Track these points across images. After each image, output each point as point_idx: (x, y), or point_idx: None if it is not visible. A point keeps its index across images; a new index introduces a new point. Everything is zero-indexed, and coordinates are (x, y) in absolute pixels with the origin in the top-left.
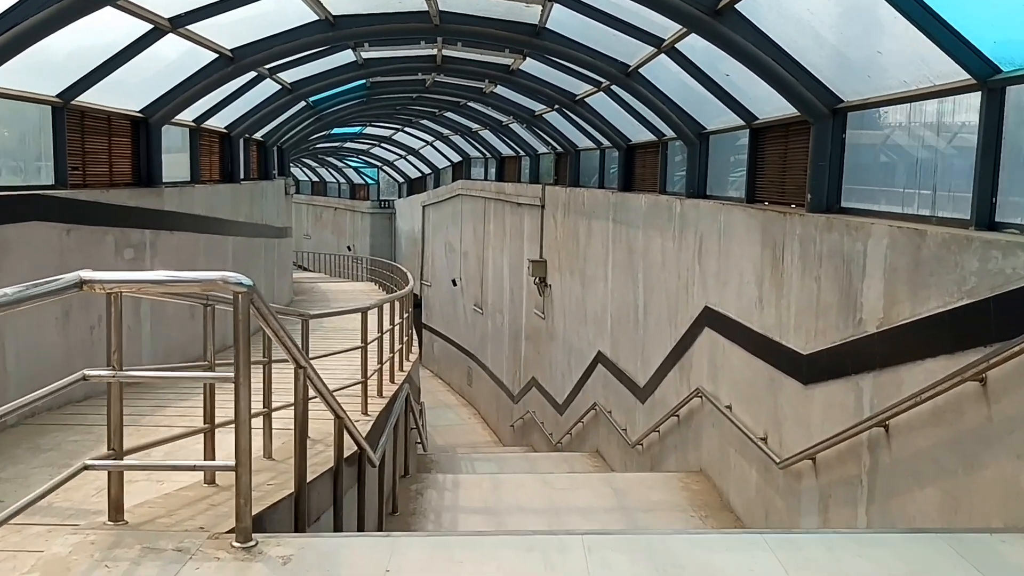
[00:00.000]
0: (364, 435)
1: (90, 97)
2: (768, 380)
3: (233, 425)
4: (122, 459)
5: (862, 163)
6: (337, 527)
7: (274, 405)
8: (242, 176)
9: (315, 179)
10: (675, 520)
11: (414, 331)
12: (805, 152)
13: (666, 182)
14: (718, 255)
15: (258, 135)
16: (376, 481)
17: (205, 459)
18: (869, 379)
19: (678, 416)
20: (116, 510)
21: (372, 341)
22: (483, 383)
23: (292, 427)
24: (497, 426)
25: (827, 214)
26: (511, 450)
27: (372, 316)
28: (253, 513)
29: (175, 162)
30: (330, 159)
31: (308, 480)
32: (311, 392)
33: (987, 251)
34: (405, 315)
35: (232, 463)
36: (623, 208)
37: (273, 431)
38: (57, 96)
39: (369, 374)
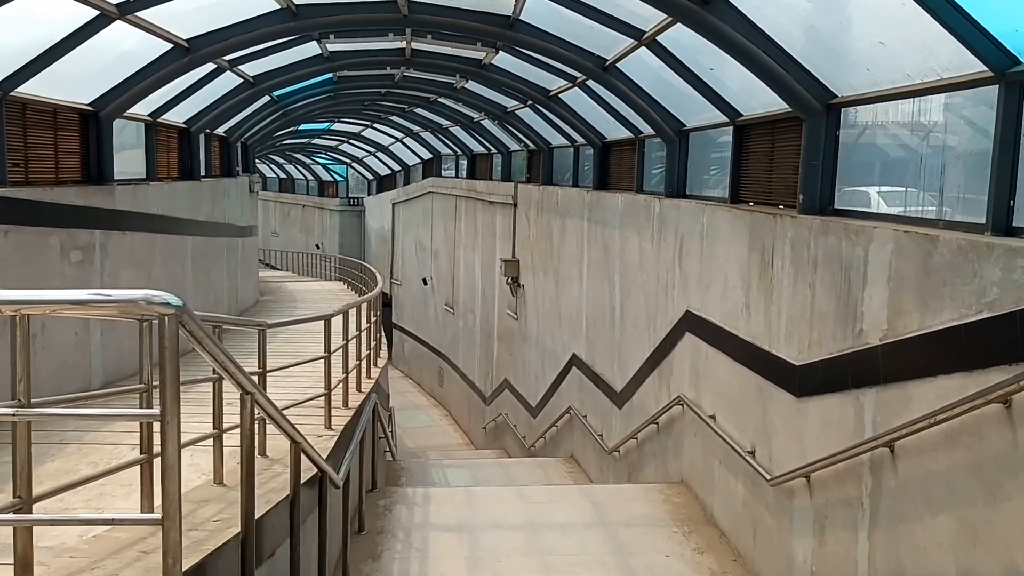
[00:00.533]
0: (328, 452)
1: (32, 88)
2: (756, 390)
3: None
4: (30, 510)
5: (859, 161)
6: (294, 561)
7: (226, 425)
8: (203, 173)
9: (283, 176)
10: (658, 536)
11: (383, 334)
12: (794, 151)
13: (643, 181)
14: (700, 257)
15: (220, 130)
16: (340, 502)
17: (142, 495)
18: (871, 394)
19: (657, 424)
20: (24, 568)
21: (337, 350)
22: (455, 384)
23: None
24: (469, 428)
25: (821, 216)
26: (483, 455)
27: (337, 322)
28: (193, 562)
29: (130, 159)
30: (298, 156)
31: (261, 514)
32: (263, 414)
33: (1012, 259)
34: (373, 319)
35: (158, 516)
36: (598, 207)
37: (225, 452)
38: None
39: (333, 386)
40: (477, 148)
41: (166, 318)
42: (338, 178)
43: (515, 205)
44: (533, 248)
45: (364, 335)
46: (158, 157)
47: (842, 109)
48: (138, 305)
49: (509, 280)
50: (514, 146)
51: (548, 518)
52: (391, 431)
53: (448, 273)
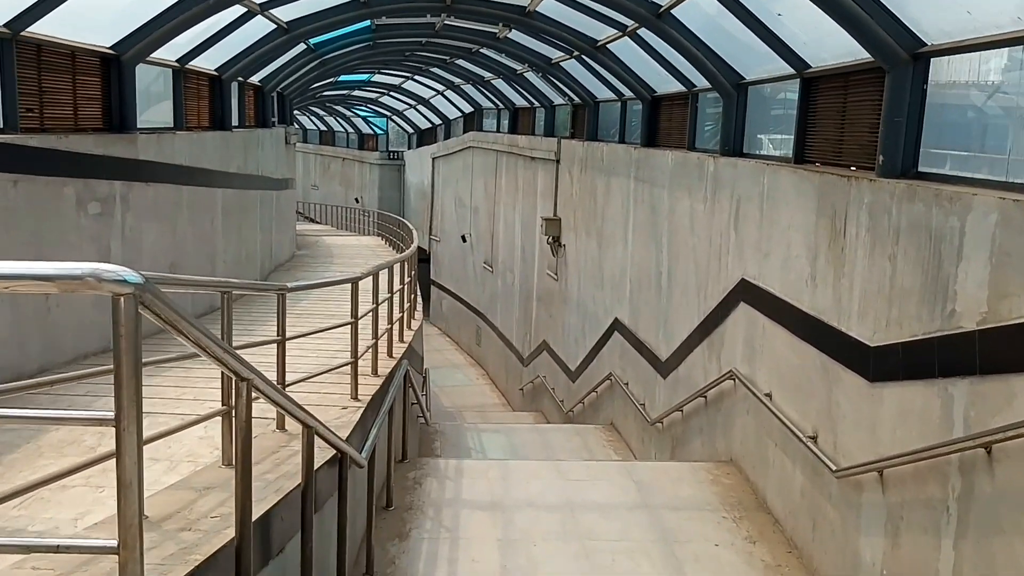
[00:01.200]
0: (351, 427)
1: (48, 29)
2: (820, 371)
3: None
4: None
5: (951, 121)
6: (306, 556)
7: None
8: (236, 124)
9: (323, 128)
10: (706, 522)
11: (418, 295)
12: (872, 107)
13: (695, 138)
14: (759, 222)
15: (254, 79)
16: (364, 480)
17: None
18: (963, 386)
19: (705, 397)
20: None
21: (365, 314)
22: (492, 343)
23: (266, 416)
24: (506, 388)
25: (905, 180)
26: (520, 418)
27: (368, 284)
28: None
29: (158, 107)
30: (338, 108)
31: (269, 507)
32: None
33: None
34: (407, 279)
35: (113, 542)
36: (646, 165)
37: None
38: (3, 26)
39: (361, 352)
40: (519, 102)
41: (121, 299)
42: (378, 131)
43: (557, 161)
44: (576, 207)
45: (397, 297)
46: (187, 105)
47: (931, 59)
48: (85, 282)
49: (550, 239)
50: (558, 100)
51: (587, 497)
52: (425, 394)
53: (487, 230)
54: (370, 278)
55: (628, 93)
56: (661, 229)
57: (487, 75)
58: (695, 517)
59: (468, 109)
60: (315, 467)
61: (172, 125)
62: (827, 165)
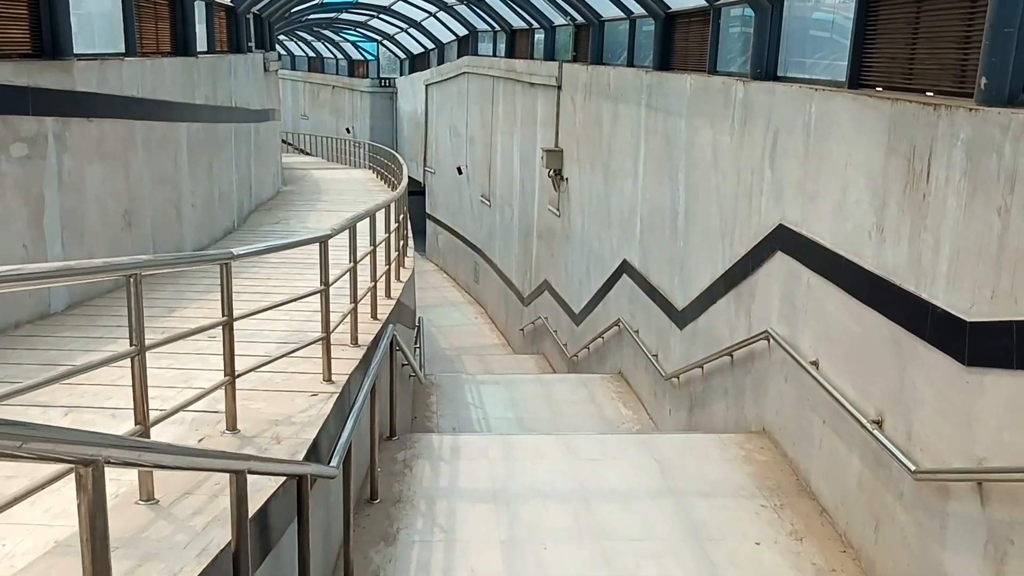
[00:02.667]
0: (323, 420)
1: None
2: (890, 343)
3: None
4: None
5: None
6: None
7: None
8: (204, 49)
9: (311, 54)
10: (742, 512)
11: (409, 237)
12: (960, 15)
13: (717, 60)
14: (804, 158)
15: None
16: (339, 484)
17: None
18: None
19: (731, 356)
20: None
21: (340, 277)
22: (491, 281)
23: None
24: (506, 328)
25: (1017, 110)
26: (522, 363)
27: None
28: None
29: (105, 31)
30: (326, 32)
31: None
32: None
33: None
34: (395, 225)
35: None
36: (660, 91)
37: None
38: None
39: (334, 326)
40: (517, 23)
41: None
42: (369, 57)
43: (559, 87)
44: (579, 137)
45: (382, 247)
46: (141, 29)
47: None
48: None
49: (551, 173)
50: (559, 20)
51: (603, 482)
52: (418, 347)
53: (484, 162)
54: (346, 232)
55: (638, 10)
56: (677, 163)
57: None
58: (729, 506)
59: (462, 32)
60: (256, 510)
61: (123, 51)
62: (891, 90)
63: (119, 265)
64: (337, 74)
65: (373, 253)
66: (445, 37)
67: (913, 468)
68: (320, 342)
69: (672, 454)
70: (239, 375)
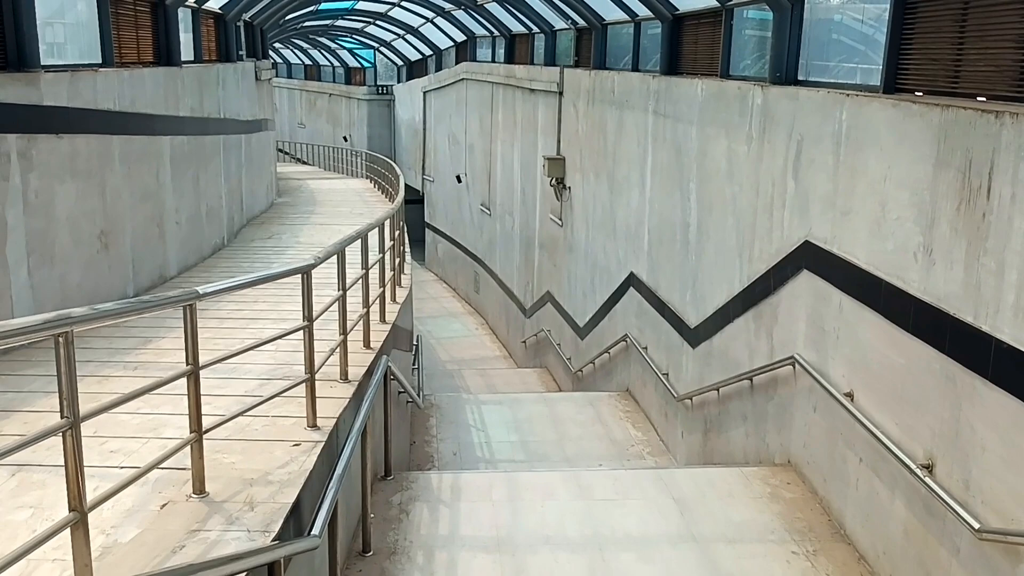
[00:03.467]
0: (305, 476)
1: None
2: (943, 379)
3: None
4: None
5: None
6: None
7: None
8: (191, 58)
9: (308, 62)
10: (772, 560)
11: (406, 254)
12: (1015, 10)
13: (730, 64)
14: (834, 170)
15: (212, 5)
16: (322, 554)
17: None
18: None
19: (751, 380)
20: None
21: (327, 309)
22: (491, 291)
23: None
24: (507, 340)
25: None
26: (525, 378)
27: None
28: None
29: (80, 40)
30: (322, 40)
31: None
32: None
33: None
34: (391, 243)
35: None
36: (669, 97)
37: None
38: None
39: (318, 366)
40: (516, 28)
41: None
42: (366, 64)
43: (560, 93)
44: (582, 145)
45: (376, 268)
46: (120, 37)
47: None
48: None
49: (553, 181)
50: (559, 24)
51: (618, 527)
52: (416, 367)
53: (484, 170)
54: (334, 257)
55: (643, 12)
56: (688, 174)
57: None
58: (758, 553)
59: (460, 38)
60: None
61: (100, 60)
62: (933, 95)
63: (42, 324)
64: (334, 82)
65: (365, 277)
66: (443, 43)
67: (977, 526)
68: (304, 383)
69: (692, 492)
70: (207, 431)
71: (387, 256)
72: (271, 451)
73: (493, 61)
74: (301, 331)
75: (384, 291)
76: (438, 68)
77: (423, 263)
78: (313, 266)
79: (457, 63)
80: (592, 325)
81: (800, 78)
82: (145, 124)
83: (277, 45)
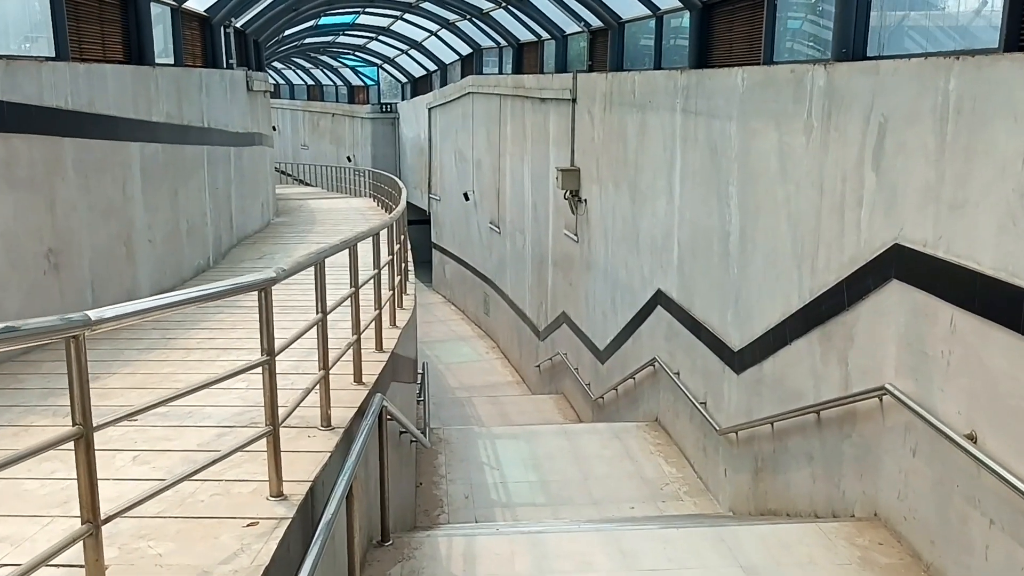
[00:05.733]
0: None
1: None
2: None
3: None
4: None
5: None
6: None
7: None
8: (171, 61)
9: (310, 82)
10: None
11: (408, 271)
12: None
13: (774, 48)
14: (938, 154)
15: (197, 6)
16: None
17: None
18: None
19: (818, 414)
20: None
21: (297, 339)
22: (502, 313)
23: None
24: (520, 364)
25: None
26: (541, 406)
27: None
28: None
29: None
30: (324, 58)
31: None
32: None
33: None
34: (389, 257)
35: None
36: (701, 92)
37: None
38: None
39: (286, 414)
40: (524, 36)
41: None
42: (369, 82)
43: (574, 100)
44: (599, 154)
45: (372, 284)
46: (80, 30)
47: None
48: None
49: (567, 194)
50: (571, 27)
51: None
52: (422, 399)
53: (492, 186)
54: (312, 270)
55: (667, 3)
56: (728, 175)
57: (487, 5)
58: None
59: (466, 51)
60: None
61: (54, 54)
62: None
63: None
64: (337, 101)
65: (355, 297)
66: (448, 57)
67: None
68: (266, 438)
69: (763, 559)
70: (107, 520)
71: (384, 273)
72: (215, 536)
73: (500, 73)
74: (263, 368)
75: (380, 314)
76: (443, 83)
77: (430, 285)
78: (274, 280)
79: (463, 77)
80: (614, 348)
81: (872, 53)
82: (107, 127)
83: (279, 65)
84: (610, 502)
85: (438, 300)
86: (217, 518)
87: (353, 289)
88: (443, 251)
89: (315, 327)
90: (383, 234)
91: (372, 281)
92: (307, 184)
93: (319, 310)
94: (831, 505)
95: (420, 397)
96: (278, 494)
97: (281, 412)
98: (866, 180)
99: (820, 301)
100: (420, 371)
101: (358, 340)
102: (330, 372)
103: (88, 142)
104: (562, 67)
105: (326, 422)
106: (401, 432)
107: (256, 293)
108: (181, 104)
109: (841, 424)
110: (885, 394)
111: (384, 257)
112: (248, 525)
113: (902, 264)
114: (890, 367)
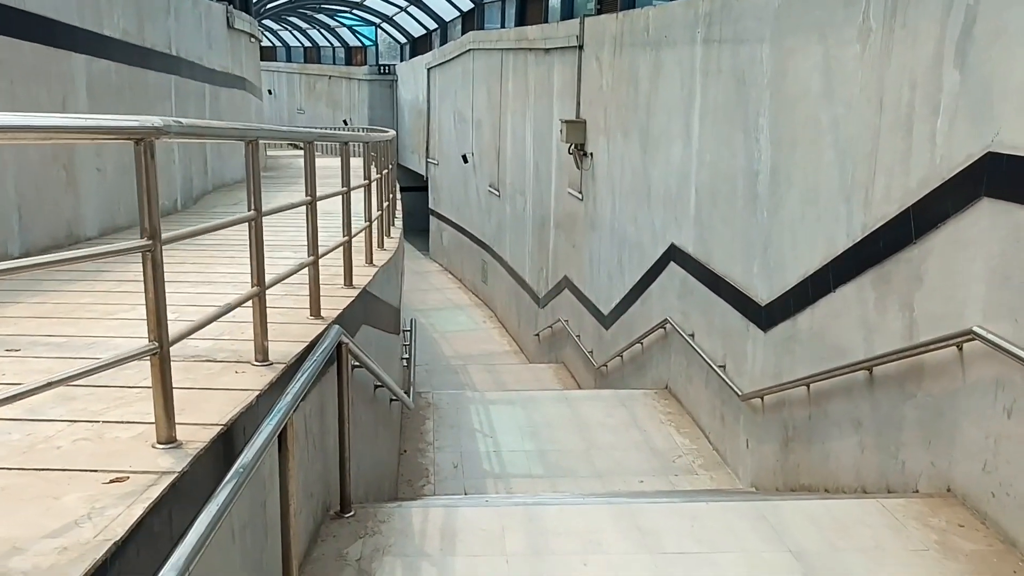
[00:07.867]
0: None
1: None
2: None
3: None
4: None
5: None
6: None
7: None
8: None
9: (307, 44)
10: None
11: (397, 209)
12: None
13: None
14: None
15: None
16: None
17: None
18: None
19: (870, 370)
20: None
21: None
22: (501, 280)
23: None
24: (518, 333)
25: None
26: (539, 375)
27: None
28: None
29: None
30: (320, 17)
31: None
32: None
33: None
34: (366, 182)
35: None
36: (727, 16)
37: None
38: None
39: (177, 337)
40: None
41: None
42: (367, 43)
43: (580, 47)
44: (607, 102)
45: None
46: None
47: None
48: None
49: (572, 148)
50: None
51: None
52: (407, 359)
53: (492, 147)
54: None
55: None
56: (757, 107)
57: None
58: None
59: (467, 5)
60: None
61: None
62: None
63: None
64: (334, 63)
65: (312, 209)
66: (449, 14)
67: None
68: (148, 359)
69: (816, 541)
70: None
71: (361, 198)
72: (58, 494)
73: (502, 27)
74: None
75: (350, 242)
76: (443, 43)
77: (427, 253)
78: (158, 131)
79: (464, 34)
80: (620, 312)
81: None
82: (43, 30)
83: (275, 25)
84: (615, 475)
85: (435, 268)
86: (70, 470)
87: (309, 199)
88: (441, 217)
89: (249, 230)
90: (361, 150)
91: (341, 202)
92: (301, 148)
93: (251, 206)
94: (885, 479)
95: (406, 356)
96: (168, 440)
97: (182, 329)
98: (945, 82)
99: (876, 237)
100: (407, 328)
101: (315, 263)
102: (267, 292)
103: (17, 42)
104: (568, 14)
105: (262, 355)
106: (377, 386)
107: (135, 144)
108: (142, 23)
109: (902, 382)
110: (970, 339)
111: (359, 180)
112: (111, 481)
113: (997, 176)
114: (976, 309)
